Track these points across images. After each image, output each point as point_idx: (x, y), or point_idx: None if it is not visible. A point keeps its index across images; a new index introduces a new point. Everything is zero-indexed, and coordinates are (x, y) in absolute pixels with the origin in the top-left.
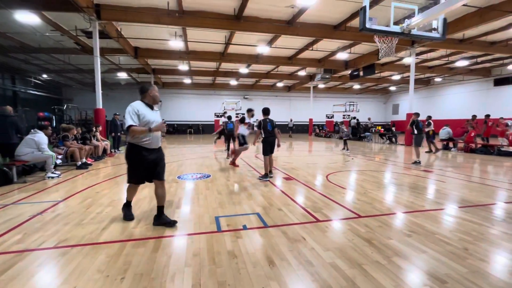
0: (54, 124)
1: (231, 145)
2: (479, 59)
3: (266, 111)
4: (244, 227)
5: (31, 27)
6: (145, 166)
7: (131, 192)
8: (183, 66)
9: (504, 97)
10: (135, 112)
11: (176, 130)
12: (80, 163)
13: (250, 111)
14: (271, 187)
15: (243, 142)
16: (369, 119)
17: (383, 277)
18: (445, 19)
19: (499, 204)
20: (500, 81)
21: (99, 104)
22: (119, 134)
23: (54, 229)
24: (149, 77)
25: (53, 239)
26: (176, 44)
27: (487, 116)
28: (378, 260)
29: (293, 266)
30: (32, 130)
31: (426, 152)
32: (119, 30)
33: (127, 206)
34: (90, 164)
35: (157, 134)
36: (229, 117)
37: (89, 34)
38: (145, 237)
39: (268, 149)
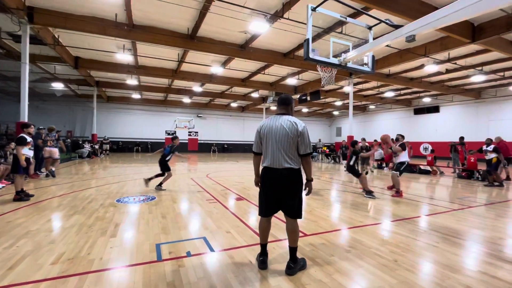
0: None
1: None
2: (402, 92)
3: None
4: (188, 254)
5: None
6: None
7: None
8: (131, 81)
9: (422, 124)
10: None
11: (121, 148)
12: None
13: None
14: (221, 208)
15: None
16: (319, 140)
17: None
18: (373, 56)
19: (422, 217)
20: (418, 111)
21: (24, 117)
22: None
23: None
24: (91, 90)
25: None
26: (124, 57)
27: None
28: (321, 279)
29: None
30: None
31: (485, 185)
32: (56, 37)
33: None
34: (32, 195)
35: None
36: (174, 138)
37: (17, 38)
38: (66, 274)
39: None
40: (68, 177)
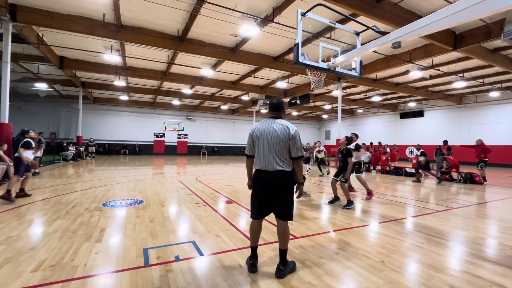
0: None
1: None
2: (389, 96)
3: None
4: (177, 258)
5: None
6: None
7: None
8: (119, 82)
9: (407, 128)
10: None
11: (107, 150)
12: None
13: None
14: (210, 212)
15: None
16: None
17: None
18: (361, 61)
19: (408, 219)
20: (404, 115)
21: (4, 118)
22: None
23: None
24: (77, 91)
25: None
26: (112, 58)
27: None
28: (310, 281)
29: None
30: None
31: (413, 181)
32: (41, 36)
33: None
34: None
35: None
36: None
37: None
38: (47, 282)
39: None
40: (51, 180)
